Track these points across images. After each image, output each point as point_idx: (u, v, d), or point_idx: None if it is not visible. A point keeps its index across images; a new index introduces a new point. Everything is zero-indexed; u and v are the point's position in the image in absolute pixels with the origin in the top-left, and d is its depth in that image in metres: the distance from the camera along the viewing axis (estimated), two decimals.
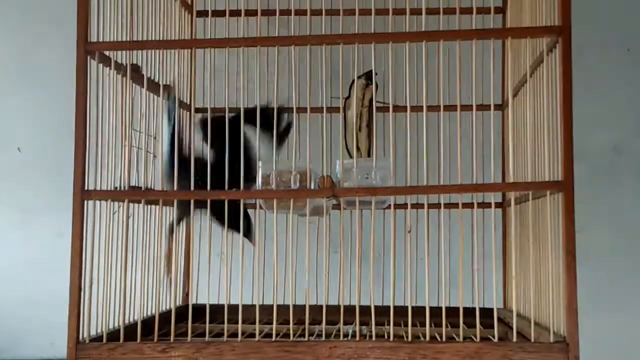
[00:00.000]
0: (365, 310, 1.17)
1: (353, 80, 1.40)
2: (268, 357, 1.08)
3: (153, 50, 1.25)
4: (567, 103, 1.06)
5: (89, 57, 1.13)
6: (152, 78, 1.27)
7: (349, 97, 1.46)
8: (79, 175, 1.11)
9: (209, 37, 1.51)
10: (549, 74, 1.12)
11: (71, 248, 1.11)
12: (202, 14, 1.53)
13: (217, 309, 1.22)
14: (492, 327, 1.08)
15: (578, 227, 1.43)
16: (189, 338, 1.13)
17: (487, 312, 1.13)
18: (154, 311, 1.17)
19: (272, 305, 1.12)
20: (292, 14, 1.36)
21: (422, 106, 1.11)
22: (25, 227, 1.83)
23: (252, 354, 1.08)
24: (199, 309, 1.21)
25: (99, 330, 1.12)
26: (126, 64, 1.17)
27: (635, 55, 1.79)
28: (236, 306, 1.12)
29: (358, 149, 1.46)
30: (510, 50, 1.13)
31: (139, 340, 1.10)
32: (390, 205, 1.26)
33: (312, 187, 1.13)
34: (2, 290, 1.81)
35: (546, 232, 1.12)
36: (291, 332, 1.17)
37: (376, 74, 1.40)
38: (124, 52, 1.18)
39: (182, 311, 1.41)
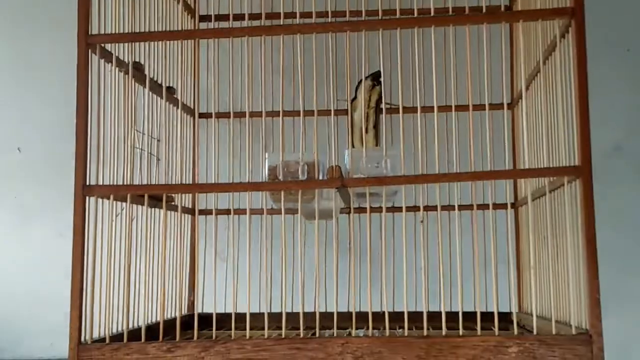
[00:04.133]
0: (377, 316, 1.12)
1: (359, 82, 1.39)
2: (278, 355, 1.03)
3: (156, 50, 1.23)
4: (583, 87, 1.04)
5: (90, 52, 1.10)
6: (155, 79, 1.24)
7: (355, 98, 1.44)
8: (80, 171, 1.08)
9: (212, 39, 1.50)
10: (561, 60, 1.09)
11: (73, 245, 1.07)
12: (206, 18, 1.52)
13: (223, 318, 1.18)
14: (508, 330, 1.03)
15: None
16: (195, 336, 1.08)
17: (502, 316, 1.08)
18: (158, 317, 1.13)
19: (281, 313, 1.07)
20: (298, 16, 1.34)
21: (432, 106, 1.08)
22: (26, 227, 1.82)
23: (260, 352, 1.03)
24: (205, 318, 1.18)
25: (102, 333, 1.08)
26: (128, 61, 1.15)
27: (635, 55, 1.77)
28: (244, 315, 1.08)
29: None
30: (521, 36, 1.10)
31: (143, 341, 1.06)
32: (401, 205, 1.21)
33: (321, 178, 1.09)
34: (2, 290, 1.79)
35: (564, 223, 1.08)
36: (302, 333, 1.13)
37: (380, 75, 1.38)
38: (126, 49, 1.16)
39: (187, 320, 1.37)
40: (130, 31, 1.17)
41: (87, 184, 1.08)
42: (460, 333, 1.04)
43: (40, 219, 1.79)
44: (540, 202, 1.22)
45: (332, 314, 1.10)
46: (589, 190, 1.02)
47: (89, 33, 1.10)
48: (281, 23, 1.30)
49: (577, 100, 1.03)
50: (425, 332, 1.04)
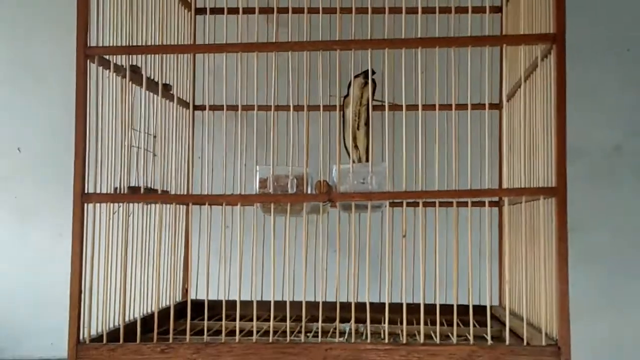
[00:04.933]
0: (362, 307, 1.20)
1: (352, 79, 1.42)
2: (265, 359, 1.10)
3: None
4: (562, 110, 1.08)
5: (88, 61, 1.14)
6: (152, 78, 1.28)
7: (347, 95, 1.47)
8: (78, 180, 1.13)
9: (208, 37, 1.53)
10: (543, 79, 1.13)
11: (71, 251, 1.12)
12: (202, 11, 1.54)
13: (216, 305, 1.24)
14: (492, 327, 1.10)
15: (577, 227, 1.44)
16: (187, 338, 1.15)
17: (482, 309, 1.15)
18: (153, 308, 1.19)
19: (270, 302, 1.14)
20: (290, 12, 1.36)
21: (417, 105, 1.12)
22: (25, 227, 1.84)
23: (249, 355, 1.10)
24: (199, 305, 1.24)
25: (99, 330, 1.14)
26: (125, 67, 1.18)
27: (635, 55, 1.79)
28: (235, 302, 1.15)
29: (356, 147, 1.47)
30: (506, 57, 1.14)
31: (138, 341, 1.12)
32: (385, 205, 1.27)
33: (309, 191, 1.14)
34: (2, 290, 1.81)
35: (539, 235, 1.13)
36: (288, 330, 1.19)
37: (374, 72, 1.42)
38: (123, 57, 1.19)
39: (182, 307, 1.43)
40: (127, 29, 1.20)
41: (86, 192, 1.13)
42: (437, 341, 1.10)
43: (40, 219, 1.81)
44: (519, 207, 1.28)
45: (320, 303, 1.16)
46: (563, 210, 1.07)
47: (88, 44, 1.14)
48: (274, 18, 1.34)
49: (555, 122, 1.07)
50: (404, 340, 1.10)
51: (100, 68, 1.16)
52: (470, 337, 1.10)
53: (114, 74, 1.18)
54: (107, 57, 1.16)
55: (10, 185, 1.84)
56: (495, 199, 1.47)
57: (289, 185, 1.11)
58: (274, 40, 1.15)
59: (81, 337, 1.12)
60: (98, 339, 1.13)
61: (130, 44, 1.19)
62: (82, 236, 1.13)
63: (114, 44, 1.18)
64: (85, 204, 1.13)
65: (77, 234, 1.13)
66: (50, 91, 1.82)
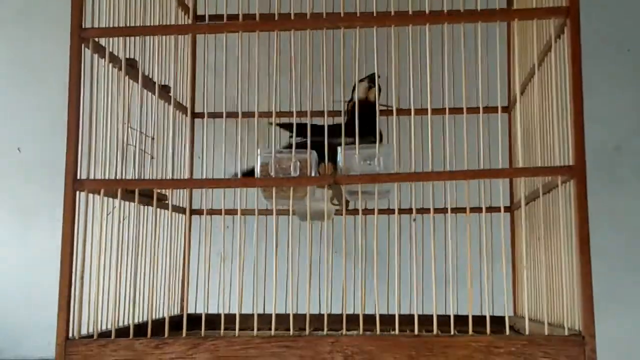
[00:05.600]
0: (369, 319, 1.11)
1: (356, 83, 1.37)
2: (266, 354, 1.02)
3: (151, 46, 1.23)
4: (578, 86, 1.03)
5: (83, 46, 1.10)
6: (150, 76, 1.24)
7: (351, 100, 1.43)
8: (70, 165, 1.07)
9: (209, 41, 1.50)
10: (557, 60, 1.09)
11: (62, 240, 1.06)
12: (200, 18, 1.51)
13: (214, 319, 1.17)
14: (502, 333, 1.02)
15: None
16: (184, 332, 1.07)
17: (496, 320, 1.06)
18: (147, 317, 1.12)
19: (280, 315, 1.06)
20: (292, 17, 1.33)
21: (426, 109, 1.07)
22: (25, 226, 1.81)
23: (249, 350, 1.02)
24: (196, 319, 1.17)
25: (91, 330, 1.07)
26: (122, 58, 1.14)
27: (635, 55, 1.76)
28: (234, 316, 1.07)
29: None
30: (516, 36, 1.09)
31: (131, 336, 1.05)
32: (394, 206, 1.20)
33: (313, 174, 1.08)
34: (2, 290, 1.79)
35: (558, 223, 1.07)
36: (291, 332, 1.12)
37: (379, 76, 1.38)
38: (120, 45, 1.15)
39: (177, 320, 1.36)
40: (124, 25, 1.16)
41: (78, 178, 1.07)
42: (452, 333, 1.03)
43: (39, 219, 1.79)
44: (536, 204, 1.21)
45: (324, 315, 1.09)
46: (583, 190, 1.01)
47: (83, 27, 1.10)
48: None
49: (571, 100, 1.02)
50: (416, 332, 1.02)
51: (96, 56, 1.12)
52: (487, 329, 1.02)
53: (110, 65, 1.14)
54: (103, 43, 1.12)
55: (10, 185, 1.82)
56: (507, 204, 1.41)
57: (291, 168, 1.04)
58: (275, 48, 1.10)
59: (70, 333, 1.05)
60: (88, 336, 1.06)
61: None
62: (73, 226, 1.06)
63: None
64: (78, 192, 1.07)
65: (68, 223, 1.06)
66: (50, 91, 1.80)
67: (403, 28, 1.11)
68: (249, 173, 1.18)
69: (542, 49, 1.14)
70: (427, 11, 1.08)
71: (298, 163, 1.05)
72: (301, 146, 1.07)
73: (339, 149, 1.08)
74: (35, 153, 1.82)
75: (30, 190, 1.81)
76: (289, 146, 1.16)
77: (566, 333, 1.00)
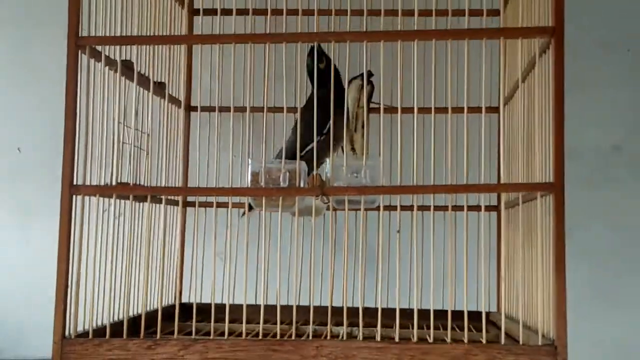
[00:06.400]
0: (356, 312, 1.18)
1: (349, 81, 1.40)
2: (254, 356, 1.07)
3: (147, 48, 1.25)
4: (559, 104, 1.06)
5: (80, 52, 1.12)
6: (146, 75, 1.26)
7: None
8: (67, 170, 1.11)
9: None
10: (541, 76, 1.12)
11: (58, 242, 1.10)
12: (195, 12, 1.53)
13: (208, 308, 1.22)
14: (488, 331, 1.07)
15: (575, 226, 1.41)
16: (175, 333, 1.12)
17: (479, 316, 1.12)
18: (142, 309, 1.16)
19: (269, 306, 1.13)
20: (285, 13, 1.35)
21: (412, 108, 1.11)
22: (25, 227, 1.82)
23: (238, 352, 1.07)
24: (191, 308, 1.21)
25: (86, 327, 1.11)
26: (118, 60, 1.16)
27: (635, 55, 1.77)
28: (230, 305, 1.13)
29: (353, 149, 1.45)
30: (504, 53, 1.12)
31: (125, 336, 1.09)
32: (379, 206, 1.24)
33: (302, 185, 1.12)
34: (2, 290, 1.80)
35: (536, 234, 1.11)
36: (278, 332, 1.17)
37: (372, 74, 1.40)
38: (117, 48, 1.18)
39: (172, 310, 1.40)
40: (120, 25, 1.19)
41: (75, 183, 1.11)
42: (431, 340, 1.08)
43: (39, 219, 1.80)
44: (519, 209, 1.25)
45: (314, 308, 1.14)
46: (561, 207, 1.05)
47: (79, 34, 1.12)
48: (268, 19, 1.33)
49: (553, 117, 1.05)
50: (397, 339, 1.07)
51: (92, 60, 1.15)
52: (465, 337, 1.07)
53: (107, 68, 1.16)
54: (99, 49, 1.15)
55: (10, 185, 1.83)
56: (494, 203, 1.45)
57: (281, 179, 1.08)
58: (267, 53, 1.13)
59: (67, 332, 1.09)
60: (84, 335, 1.11)
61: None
62: (69, 229, 1.10)
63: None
64: (74, 196, 1.11)
65: (65, 226, 1.10)
66: (50, 91, 1.77)
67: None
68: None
69: (528, 63, 1.17)
70: (415, 25, 1.11)
71: (287, 173, 1.09)
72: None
73: (326, 160, 1.12)
74: (35, 153, 1.83)
75: (30, 190, 1.82)
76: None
77: (540, 342, 1.05)
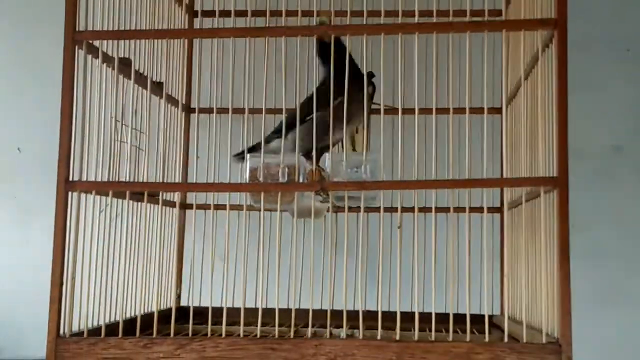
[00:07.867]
0: (356, 315, 1.14)
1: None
2: (252, 355, 1.05)
3: (145, 43, 1.24)
4: (562, 98, 1.04)
5: (77, 48, 1.11)
6: (145, 74, 1.25)
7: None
8: (63, 166, 1.10)
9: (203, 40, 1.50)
10: (544, 71, 1.10)
11: (54, 240, 1.09)
12: (195, 14, 1.52)
13: (206, 312, 1.19)
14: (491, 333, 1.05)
15: (578, 226, 1.39)
16: (171, 332, 1.10)
17: (482, 319, 1.09)
18: (144, 310, 1.15)
19: (268, 309, 1.10)
20: (284, 14, 1.33)
21: (414, 109, 1.09)
22: (25, 227, 1.82)
23: (235, 351, 1.05)
24: (188, 312, 1.19)
25: (81, 327, 1.10)
26: (116, 57, 1.15)
27: (635, 55, 1.77)
28: (228, 309, 1.09)
29: (354, 150, 1.44)
30: (506, 47, 1.10)
31: (120, 335, 1.08)
32: (380, 207, 1.22)
33: (301, 180, 1.10)
34: (2, 289, 1.80)
35: (540, 231, 1.09)
36: (277, 333, 1.14)
37: (374, 75, 1.39)
38: (114, 45, 1.17)
39: (170, 314, 1.38)
40: (118, 25, 1.17)
41: (70, 179, 1.09)
42: (432, 338, 1.05)
43: (40, 219, 1.79)
44: (523, 208, 1.23)
45: (315, 311, 1.11)
46: (565, 201, 1.02)
47: (77, 29, 1.11)
48: (267, 21, 1.31)
49: (556, 111, 1.03)
50: (397, 337, 1.05)
51: (90, 57, 1.13)
52: (467, 335, 1.05)
53: (104, 65, 1.15)
54: (97, 45, 1.13)
55: (10, 185, 1.83)
56: (497, 205, 1.43)
57: (279, 174, 1.06)
58: (266, 50, 1.11)
59: (61, 331, 1.08)
60: (79, 334, 1.09)
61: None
62: (64, 226, 1.09)
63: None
64: (70, 192, 1.10)
65: (60, 224, 1.09)
66: (50, 91, 1.74)
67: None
68: (252, 149, 1.19)
69: (530, 60, 1.15)
70: (416, 20, 1.09)
71: (286, 169, 1.07)
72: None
73: (326, 155, 1.10)
74: (35, 153, 1.83)
75: (30, 190, 1.82)
76: (277, 131, 1.18)
77: (544, 340, 1.02)
